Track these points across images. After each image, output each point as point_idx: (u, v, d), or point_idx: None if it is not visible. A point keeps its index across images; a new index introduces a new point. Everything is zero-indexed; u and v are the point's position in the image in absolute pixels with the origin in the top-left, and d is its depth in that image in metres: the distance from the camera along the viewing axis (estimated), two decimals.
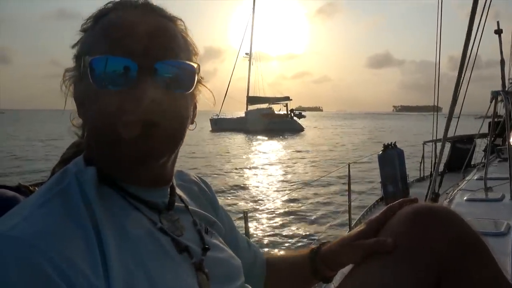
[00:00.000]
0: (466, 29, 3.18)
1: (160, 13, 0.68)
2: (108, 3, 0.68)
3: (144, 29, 0.63)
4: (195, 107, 0.74)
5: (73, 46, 0.68)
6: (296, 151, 24.55)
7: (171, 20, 0.69)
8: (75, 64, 0.68)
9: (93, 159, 0.66)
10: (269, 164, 19.01)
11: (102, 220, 0.59)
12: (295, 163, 19.26)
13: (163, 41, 0.65)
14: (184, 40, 0.70)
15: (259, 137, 36.06)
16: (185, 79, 0.66)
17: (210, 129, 44.04)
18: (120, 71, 0.62)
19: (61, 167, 0.68)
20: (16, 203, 0.65)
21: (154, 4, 0.69)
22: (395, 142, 7.14)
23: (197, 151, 22.00)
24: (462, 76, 3.35)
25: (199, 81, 0.72)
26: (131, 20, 0.64)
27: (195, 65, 0.68)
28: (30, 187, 0.74)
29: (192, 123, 0.73)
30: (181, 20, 0.71)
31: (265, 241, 7.58)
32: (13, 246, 0.51)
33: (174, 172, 0.82)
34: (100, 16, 0.67)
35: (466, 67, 3.21)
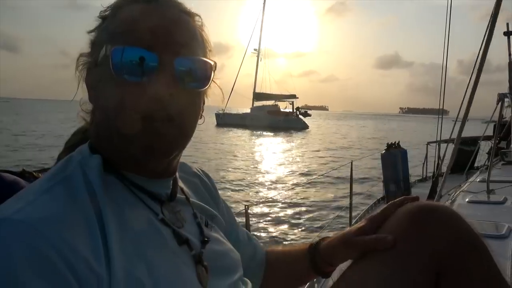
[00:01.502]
0: (484, 31, 3.14)
1: (180, 8, 0.68)
2: None
3: (165, 23, 0.64)
4: (203, 102, 0.75)
5: (89, 32, 0.69)
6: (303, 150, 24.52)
7: (190, 15, 0.70)
8: (91, 50, 0.68)
9: (99, 147, 0.67)
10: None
11: (105, 209, 0.60)
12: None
13: (183, 36, 0.65)
14: (201, 36, 0.70)
15: (264, 133, 36.06)
16: (201, 76, 0.67)
17: (215, 123, 44.10)
18: (140, 63, 0.62)
19: (66, 154, 0.69)
20: (17, 187, 0.66)
21: None
22: (398, 142, 7.11)
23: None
24: (472, 78, 3.32)
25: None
26: (153, 13, 0.64)
27: (212, 62, 0.69)
28: (34, 173, 0.75)
29: (200, 117, 0.74)
30: (199, 16, 0.72)
31: (265, 235, 7.60)
32: (17, 230, 0.51)
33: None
34: (121, 6, 0.67)
35: (481, 69, 3.18)
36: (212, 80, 0.70)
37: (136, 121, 0.61)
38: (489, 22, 3.09)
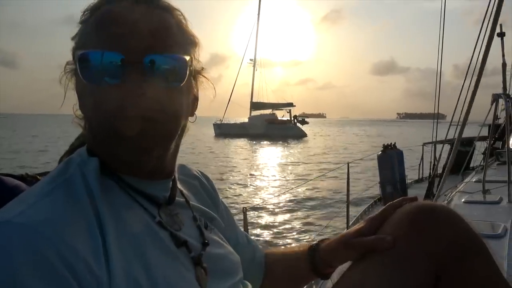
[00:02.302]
0: (478, 35, 3.17)
1: (155, 4, 0.66)
2: None
3: (133, 22, 0.62)
4: (195, 99, 0.74)
5: (72, 38, 0.67)
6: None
7: (167, 10, 0.67)
8: (72, 57, 0.67)
9: (94, 151, 0.67)
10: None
11: (104, 211, 0.60)
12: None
13: (153, 34, 0.63)
14: (180, 31, 0.68)
15: (262, 142, 36.02)
16: (176, 72, 0.65)
17: (214, 134, 44.06)
18: (107, 65, 0.61)
19: (68, 156, 0.69)
20: (19, 191, 0.66)
21: None
22: (394, 143, 7.13)
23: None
24: (472, 81, 3.35)
25: (198, 73, 0.72)
26: (121, 13, 0.63)
27: (187, 58, 0.66)
28: (37, 177, 0.75)
29: (192, 115, 0.73)
30: (178, 10, 0.69)
31: (264, 238, 7.59)
32: (18, 232, 0.51)
33: (177, 166, 0.82)
34: (95, 9, 0.66)
35: (476, 73, 3.20)
36: (196, 74, 0.70)
37: (113, 124, 0.60)
38: (482, 24, 3.12)
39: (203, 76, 0.74)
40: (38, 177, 0.75)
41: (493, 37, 3.00)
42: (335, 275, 0.90)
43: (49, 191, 0.59)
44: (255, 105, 48.88)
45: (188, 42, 0.69)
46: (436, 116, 4.89)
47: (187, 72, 0.66)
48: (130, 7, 0.64)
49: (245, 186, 13.05)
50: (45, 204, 0.57)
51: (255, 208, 8.86)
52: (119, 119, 0.60)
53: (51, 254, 0.51)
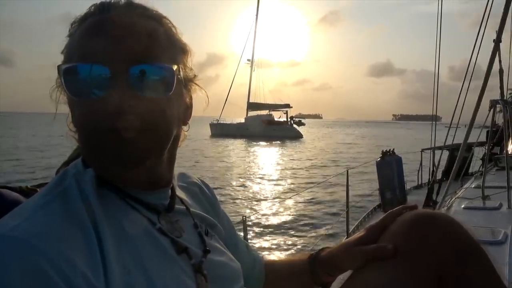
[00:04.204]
0: (473, 38, 3.19)
1: (141, 13, 0.65)
2: (91, 6, 0.66)
3: (119, 33, 0.61)
4: (188, 108, 0.73)
5: (62, 52, 0.66)
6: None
7: (154, 19, 0.66)
8: None
9: (89, 163, 0.66)
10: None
11: (102, 221, 0.59)
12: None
13: (139, 44, 0.61)
14: (168, 39, 0.67)
15: (259, 143, 36.05)
16: (163, 82, 0.63)
17: (210, 134, 44.09)
18: (92, 79, 0.60)
19: (65, 168, 0.68)
20: (17, 205, 0.65)
21: (137, 3, 0.67)
22: (393, 149, 7.14)
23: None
24: (464, 85, 3.37)
25: (190, 80, 0.71)
26: (106, 24, 0.62)
27: (175, 67, 0.65)
28: (37, 189, 0.75)
29: (185, 124, 0.72)
30: (166, 18, 0.68)
31: (263, 246, 7.56)
32: (13, 247, 0.51)
33: (176, 174, 0.82)
34: (81, 21, 0.65)
35: (471, 76, 3.23)
36: (187, 83, 0.69)
37: (101, 137, 0.60)
38: (480, 28, 3.14)
39: (195, 84, 0.73)
40: (37, 189, 0.75)
41: (500, 44, 3.01)
42: (336, 284, 0.89)
43: (44, 203, 0.59)
44: (251, 106, 49.00)
45: (177, 51, 0.68)
46: (434, 118, 4.90)
47: (175, 82, 0.64)
48: (116, 18, 0.62)
49: (242, 195, 13.02)
50: (39, 217, 0.56)
51: (255, 216, 8.84)
52: (105, 133, 0.59)
53: (46, 266, 0.50)
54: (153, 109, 0.62)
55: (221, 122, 47.94)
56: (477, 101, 3.24)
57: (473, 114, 3.23)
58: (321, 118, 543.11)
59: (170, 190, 0.74)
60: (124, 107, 0.59)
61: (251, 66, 51.81)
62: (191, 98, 0.73)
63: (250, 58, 52.20)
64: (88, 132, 0.61)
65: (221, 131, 44.71)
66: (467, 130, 3.45)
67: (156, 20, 0.66)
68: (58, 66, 0.63)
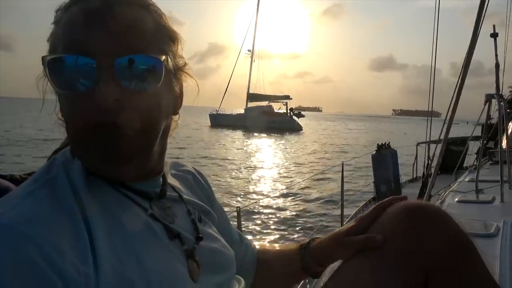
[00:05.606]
0: (471, 34, 3.19)
1: (127, 1, 0.62)
2: None
3: (104, 23, 0.58)
4: (179, 97, 0.72)
5: (48, 40, 0.64)
6: None
7: (142, 6, 0.64)
8: None
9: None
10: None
11: (91, 208, 0.59)
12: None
13: (125, 34, 0.59)
14: (156, 28, 0.64)
15: (258, 135, 36.04)
16: (150, 73, 0.61)
17: (209, 124, 44.04)
18: (78, 71, 0.58)
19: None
20: (5, 193, 0.65)
21: None
22: (388, 143, 7.17)
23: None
24: (458, 80, 3.37)
25: (180, 69, 0.70)
26: (90, 14, 0.59)
27: (163, 57, 0.63)
28: (24, 176, 0.74)
29: (175, 114, 0.72)
30: (154, 5, 0.66)
31: (257, 236, 7.60)
32: (0, 233, 0.51)
33: (170, 163, 0.82)
34: (66, 8, 0.63)
35: (467, 71, 3.22)
36: (177, 72, 0.68)
37: (88, 132, 0.59)
38: (475, 24, 3.14)
39: (185, 73, 0.72)
40: (25, 176, 0.75)
41: (498, 40, 2.99)
42: (326, 274, 0.90)
43: (32, 191, 0.58)
44: (251, 97, 48.93)
45: (166, 39, 0.66)
46: (430, 114, 4.91)
47: (163, 72, 0.62)
48: (101, 6, 0.60)
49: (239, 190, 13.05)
50: (28, 204, 0.56)
51: (249, 207, 8.87)
52: (92, 129, 0.58)
53: (33, 253, 0.50)
54: (141, 104, 0.60)
55: (221, 112, 47.82)
56: (457, 95, 3.24)
57: (453, 109, 3.24)
58: (321, 111, 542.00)
59: (161, 178, 0.74)
60: (111, 101, 0.57)
61: (251, 57, 51.72)
62: (181, 86, 0.72)
63: (251, 49, 52.04)
64: (75, 130, 0.61)
65: (221, 121, 44.63)
66: (447, 126, 3.46)
67: (144, 7, 0.64)
68: (43, 58, 0.61)
